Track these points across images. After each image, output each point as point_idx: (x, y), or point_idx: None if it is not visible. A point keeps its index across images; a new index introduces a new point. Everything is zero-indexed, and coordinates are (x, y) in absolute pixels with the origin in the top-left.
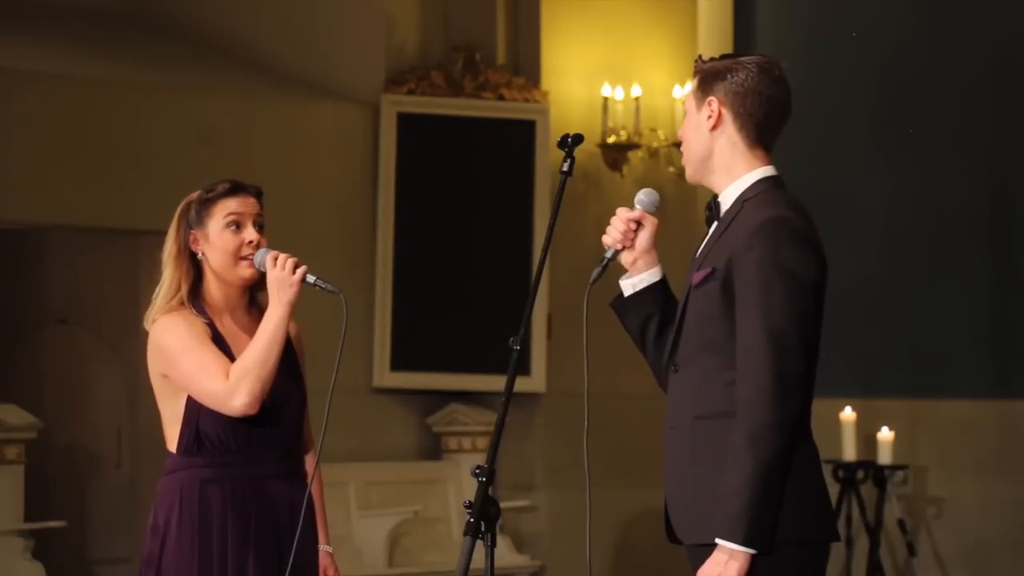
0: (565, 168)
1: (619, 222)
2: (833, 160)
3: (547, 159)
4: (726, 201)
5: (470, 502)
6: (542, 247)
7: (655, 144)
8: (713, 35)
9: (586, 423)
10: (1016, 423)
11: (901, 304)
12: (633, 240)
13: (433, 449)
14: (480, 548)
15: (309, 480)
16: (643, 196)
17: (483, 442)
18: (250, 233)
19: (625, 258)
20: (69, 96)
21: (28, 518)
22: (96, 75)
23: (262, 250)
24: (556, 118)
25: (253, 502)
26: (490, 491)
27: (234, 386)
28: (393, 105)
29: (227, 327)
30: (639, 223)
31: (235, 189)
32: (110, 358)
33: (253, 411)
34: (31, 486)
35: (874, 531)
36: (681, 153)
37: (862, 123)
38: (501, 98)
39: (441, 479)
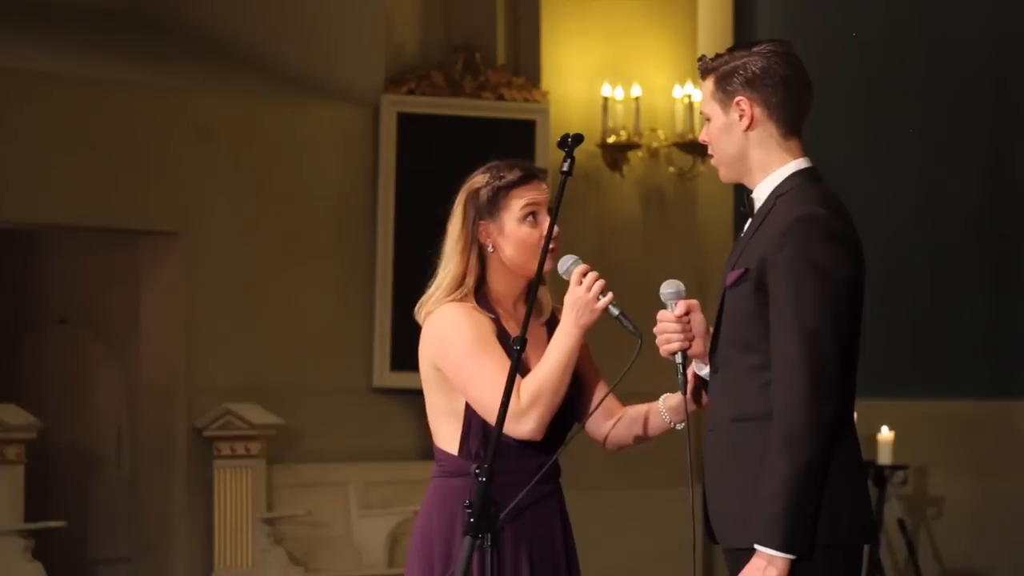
0: (565, 168)
1: (670, 326)
2: (833, 160)
3: (547, 159)
4: (760, 197)
5: (470, 502)
6: (542, 247)
7: (655, 144)
8: (713, 35)
9: (688, 443)
10: (1016, 423)
11: (901, 304)
12: (691, 332)
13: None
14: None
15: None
16: (668, 290)
17: None
18: (546, 223)
19: (695, 351)
20: (69, 96)
21: (28, 518)
22: (96, 75)
23: (572, 258)
24: (556, 118)
25: (531, 526)
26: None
27: (525, 410)
28: (393, 105)
29: (510, 324)
30: (686, 313)
31: (528, 176)
32: (110, 358)
33: (539, 438)
34: (31, 486)
35: (874, 531)
36: (710, 156)
37: (862, 123)
38: (501, 98)
39: None
